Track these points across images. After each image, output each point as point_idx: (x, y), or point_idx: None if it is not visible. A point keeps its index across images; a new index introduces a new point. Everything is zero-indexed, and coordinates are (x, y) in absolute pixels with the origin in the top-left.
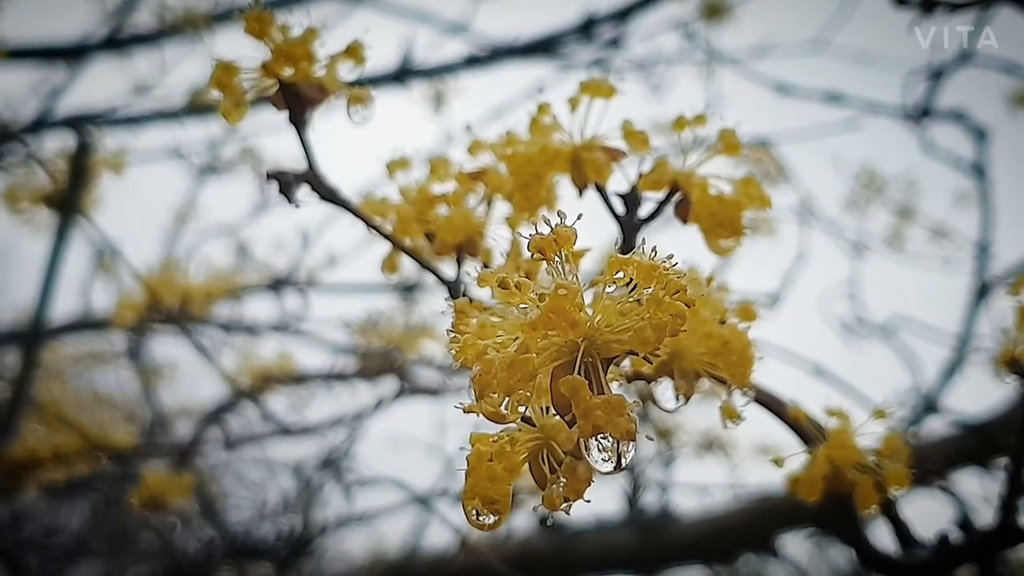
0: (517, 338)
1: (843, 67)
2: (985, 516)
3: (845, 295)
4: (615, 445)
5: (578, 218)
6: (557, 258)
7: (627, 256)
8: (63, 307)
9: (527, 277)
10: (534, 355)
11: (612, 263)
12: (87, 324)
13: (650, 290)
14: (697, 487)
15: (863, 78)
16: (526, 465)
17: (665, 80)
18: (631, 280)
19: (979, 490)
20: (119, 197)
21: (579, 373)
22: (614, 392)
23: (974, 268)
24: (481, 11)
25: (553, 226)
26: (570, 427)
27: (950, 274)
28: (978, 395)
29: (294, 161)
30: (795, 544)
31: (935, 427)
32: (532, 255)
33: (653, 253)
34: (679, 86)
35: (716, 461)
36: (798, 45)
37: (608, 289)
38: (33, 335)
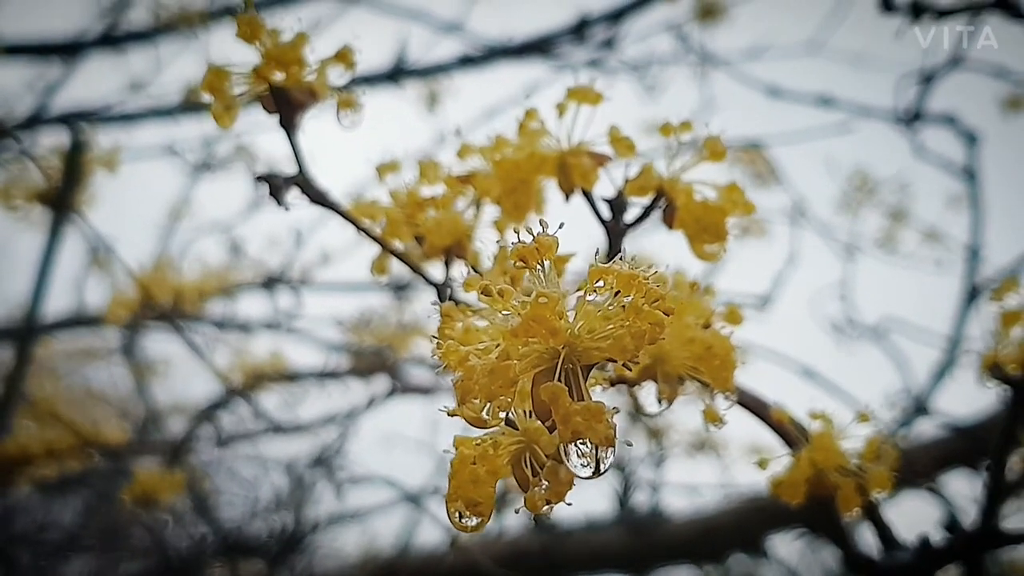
0: (499, 344)
1: (837, 69)
2: (973, 518)
3: (836, 296)
4: (594, 450)
5: (560, 227)
6: (539, 266)
7: (607, 265)
8: (56, 304)
9: (513, 282)
10: (515, 362)
11: (593, 272)
12: (80, 321)
13: (630, 298)
14: (688, 487)
15: (857, 80)
16: (509, 468)
17: (659, 81)
18: (612, 288)
19: (968, 492)
20: (113, 194)
21: (559, 379)
22: (594, 398)
23: (965, 271)
24: (475, 11)
25: (535, 235)
26: (551, 432)
27: (941, 276)
28: (968, 397)
29: (287, 160)
30: (785, 544)
31: (925, 429)
32: (514, 263)
33: (633, 262)
34: (673, 87)
35: (707, 461)
36: (792, 47)
37: (589, 297)
38: (27, 331)
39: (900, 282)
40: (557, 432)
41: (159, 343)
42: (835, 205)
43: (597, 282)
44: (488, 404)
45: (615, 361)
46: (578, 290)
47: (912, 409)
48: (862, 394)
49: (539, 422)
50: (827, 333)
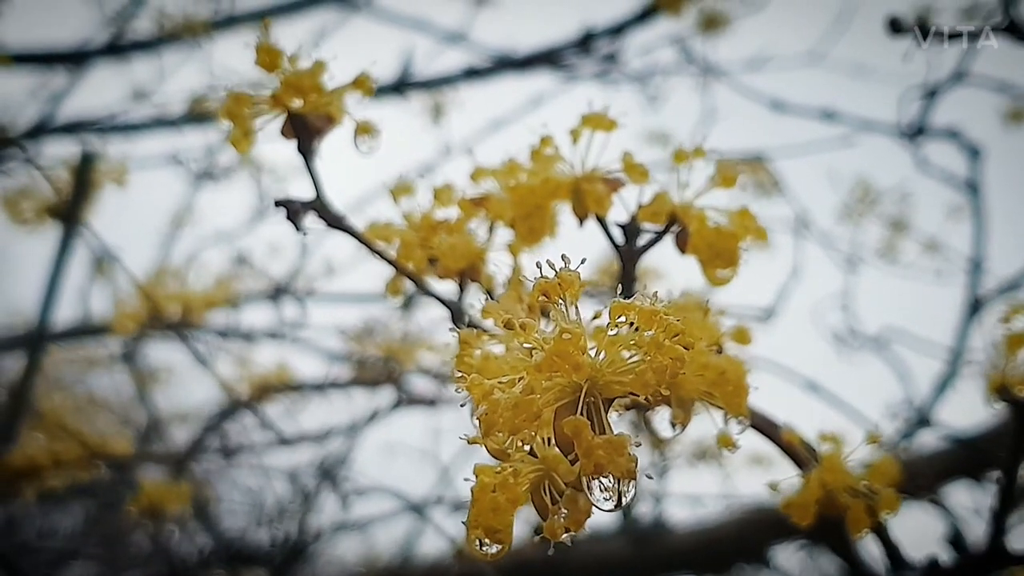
0: (522, 378)
1: (839, 80)
2: (976, 530)
3: (838, 307)
4: (616, 484)
5: (582, 263)
6: (561, 301)
7: (628, 302)
8: (61, 313)
9: (529, 308)
10: (538, 396)
11: (615, 308)
12: (85, 330)
13: (651, 333)
14: (690, 497)
15: (859, 91)
16: (528, 496)
17: (661, 92)
18: (633, 323)
19: (971, 504)
20: (117, 203)
21: (581, 413)
22: (615, 431)
23: (967, 283)
24: (479, 21)
25: (557, 269)
26: (572, 465)
27: (943, 287)
28: (970, 409)
29: (292, 170)
30: (788, 555)
31: (927, 441)
32: (536, 298)
33: (654, 299)
34: (675, 97)
35: (709, 471)
36: (794, 58)
37: (611, 332)
38: (36, 341)
39: (902, 293)
40: (579, 464)
41: (161, 351)
42: (837, 216)
43: (619, 318)
44: (511, 437)
45: (636, 395)
46: (595, 317)
47: (914, 421)
48: (864, 406)
49: (558, 450)
50: (829, 343)
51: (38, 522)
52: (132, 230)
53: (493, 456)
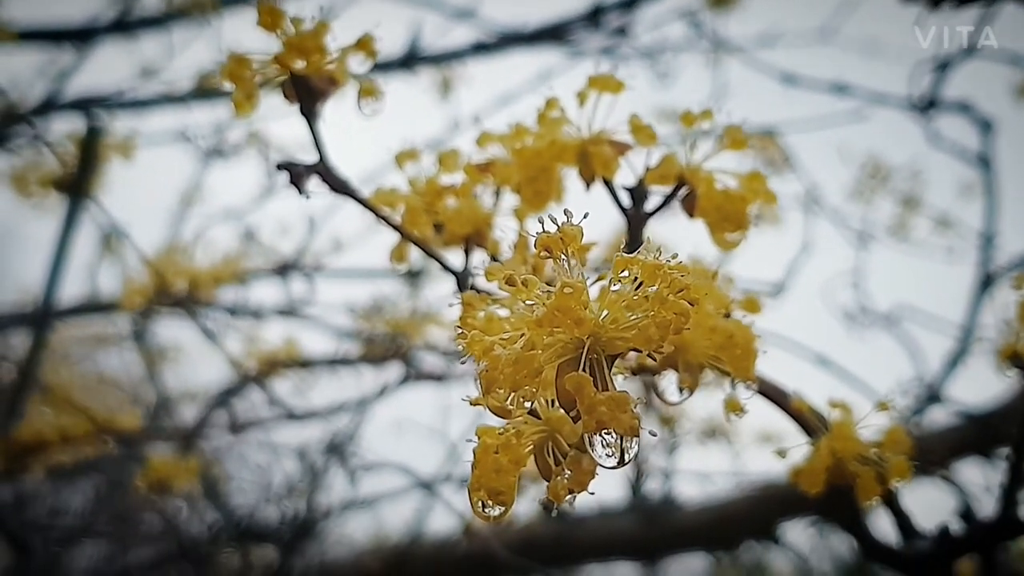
0: (523, 334)
1: (850, 56)
2: (987, 506)
3: (849, 284)
4: (619, 440)
5: (584, 217)
6: (563, 256)
7: (632, 255)
8: (69, 289)
9: (534, 271)
10: (540, 352)
11: (618, 262)
12: (93, 307)
13: (654, 288)
14: (700, 475)
15: (870, 67)
16: (531, 457)
17: (671, 68)
18: (636, 278)
19: (981, 480)
20: (125, 180)
21: (584, 369)
22: (618, 388)
23: (979, 258)
24: None
25: (560, 224)
26: (575, 422)
27: (954, 264)
28: (981, 385)
29: (301, 147)
30: (797, 532)
31: (938, 417)
32: (538, 253)
33: (658, 252)
34: (685, 74)
35: (719, 449)
36: (805, 34)
37: (614, 287)
38: (42, 318)
39: (912, 270)
40: (581, 422)
41: (170, 329)
42: (848, 193)
43: (622, 272)
44: (512, 394)
45: (639, 351)
46: (599, 279)
47: (925, 397)
48: (875, 382)
49: (562, 411)
50: (839, 321)
51: (47, 500)
52: (141, 208)
53: (494, 413)
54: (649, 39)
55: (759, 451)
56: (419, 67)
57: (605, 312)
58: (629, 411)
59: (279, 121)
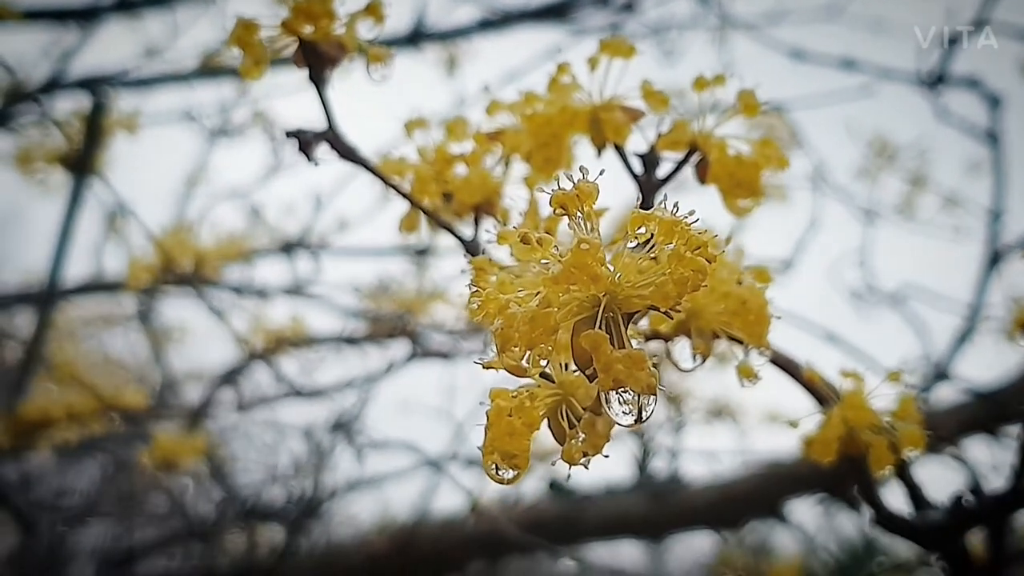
0: (539, 292)
1: (857, 34)
2: (994, 484)
3: (856, 263)
4: (636, 398)
5: (600, 173)
6: (579, 213)
7: (649, 212)
8: (75, 269)
9: (549, 233)
10: (556, 309)
11: (634, 218)
12: (99, 286)
13: (671, 246)
14: (706, 453)
15: (877, 45)
16: (545, 420)
17: (678, 46)
18: (652, 236)
19: (988, 458)
20: (130, 159)
21: (600, 328)
22: (634, 347)
23: (986, 236)
24: None
25: (575, 181)
26: (591, 381)
27: (961, 243)
28: (989, 364)
29: (309, 123)
30: (803, 511)
31: (945, 395)
32: (554, 210)
33: (675, 209)
34: (692, 52)
35: (725, 428)
36: (812, 11)
37: (629, 245)
38: (47, 295)
39: (920, 248)
40: (598, 381)
41: (176, 309)
42: (855, 171)
43: (638, 229)
44: (528, 353)
45: (656, 309)
46: (616, 241)
47: (933, 375)
48: (883, 361)
49: (576, 374)
50: (846, 299)
51: (54, 480)
52: (147, 189)
53: (509, 372)
54: (656, 15)
55: (765, 430)
56: (425, 44)
57: (621, 270)
58: (646, 368)
59: (284, 100)
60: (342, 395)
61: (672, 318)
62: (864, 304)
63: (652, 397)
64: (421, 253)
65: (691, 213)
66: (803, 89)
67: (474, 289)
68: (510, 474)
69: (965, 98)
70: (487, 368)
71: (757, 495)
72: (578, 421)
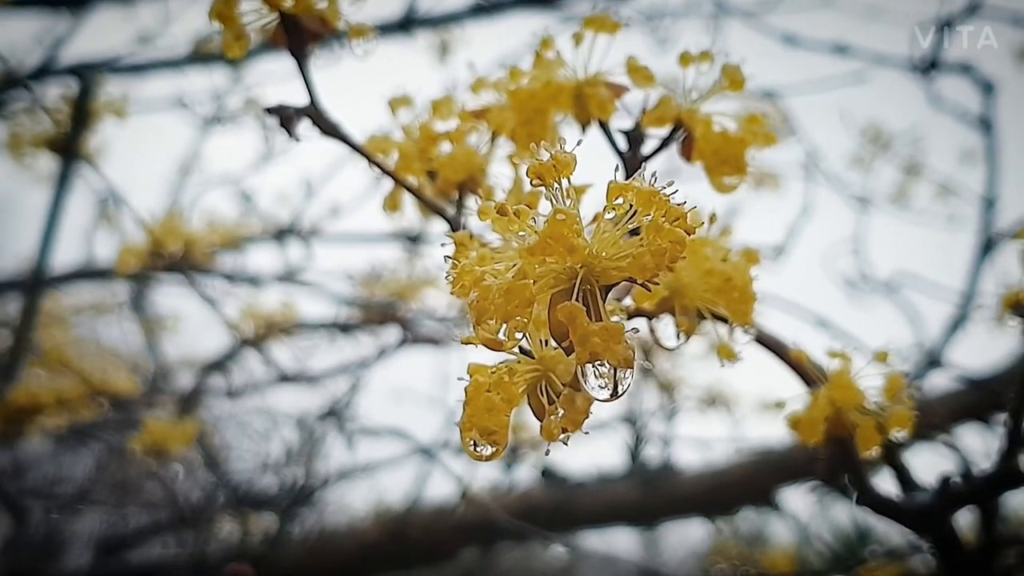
0: (515, 265)
1: (851, 22)
2: (988, 466)
3: (849, 251)
4: (612, 372)
5: (578, 144)
6: (556, 185)
7: (627, 182)
8: (66, 257)
9: (529, 206)
10: (532, 281)
11: (612, 189)
12: (89, 273)
13: (650, 217)
14: (699, 441)
15: (871, 33)
16: (524, 396)
17: (671, 33)
18: (631, 207)
19: (981, 446)
20: (122, 147)
21: (577, 300)
22: (613, 320)
23: (980, 223)
24: None
25: (552, 152)
26: (567, 354)
27: (955, 231)
28: (982, 351)
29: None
30: (796, 499)
31: (938, 382)
32: (531, 182)
33: (653, 180)
34: (684, 39)
35: (718, 416)
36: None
37: (607, 216)
38: (35, 281)
39: (913, 236)
40: (575, 354)
41: (168, 297)
42: (849, 159)
43: (616, 200)
44: (504, 325)
45: (634, 281)
46: (595, 220)
47: (925, 362)
48: (875, 347)
49: (556, 349)
50: (839, 287)
51: (46, 467)
52: (138, 174)
53: (485, 346)
54: (649, 2)
55: (758, 418)
56: (417, 30)
57: (599, 241)
58: (623, 341)
59: (277, 86)
60: (334, 382)
61: (650, 291)
62: (858, 292)
63: (629, 371)
64: (413, 240)
65: (670, 184)
66: (797, 75)
67: (451, 262)
68: (488, 450)
69: (958, 84)
70: (465, 344)
71: (749, 483)
72: (557, 397)
